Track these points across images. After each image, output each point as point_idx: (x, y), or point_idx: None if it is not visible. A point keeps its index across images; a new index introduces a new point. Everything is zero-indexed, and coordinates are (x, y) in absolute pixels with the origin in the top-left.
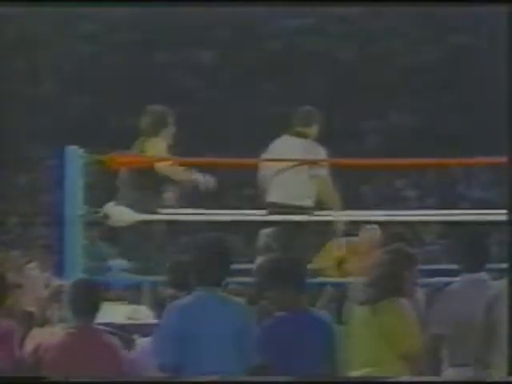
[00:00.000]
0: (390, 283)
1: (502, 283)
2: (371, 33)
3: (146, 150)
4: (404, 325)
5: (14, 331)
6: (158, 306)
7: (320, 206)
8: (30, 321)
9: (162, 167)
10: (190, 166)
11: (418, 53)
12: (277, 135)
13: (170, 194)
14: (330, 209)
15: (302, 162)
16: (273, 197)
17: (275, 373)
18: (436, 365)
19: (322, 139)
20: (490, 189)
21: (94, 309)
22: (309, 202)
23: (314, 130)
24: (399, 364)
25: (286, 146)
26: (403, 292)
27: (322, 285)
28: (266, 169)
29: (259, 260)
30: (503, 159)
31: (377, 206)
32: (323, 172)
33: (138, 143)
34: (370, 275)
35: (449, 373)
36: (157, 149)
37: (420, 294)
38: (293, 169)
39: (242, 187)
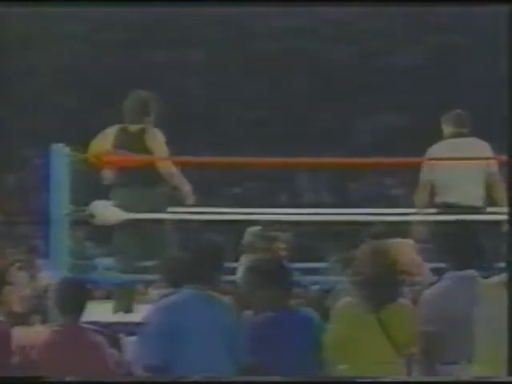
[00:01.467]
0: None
1: (490, 280)
2: (360, 33)
3: (148, 143)
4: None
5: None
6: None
7: (491, 204)
8: (17, 320)
9: (166, 166)
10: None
11: (405, 52)
12: (264, 135)
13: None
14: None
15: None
16: (445, 197)
17: (263, 371)
18: (427, 363)
19: (311, 139)
20: None
21: (79, 307)
22: (480, 203)
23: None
24: (398, 363)
25: (467, 147)
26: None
27: (311, 284)
28: (429, 170)
29: (244, 258)
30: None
31: (365, 204)
32: (496, 170)
33: (120, 131)
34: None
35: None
36: (158, 141)
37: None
38: (469, 168)
39: (231, 186)
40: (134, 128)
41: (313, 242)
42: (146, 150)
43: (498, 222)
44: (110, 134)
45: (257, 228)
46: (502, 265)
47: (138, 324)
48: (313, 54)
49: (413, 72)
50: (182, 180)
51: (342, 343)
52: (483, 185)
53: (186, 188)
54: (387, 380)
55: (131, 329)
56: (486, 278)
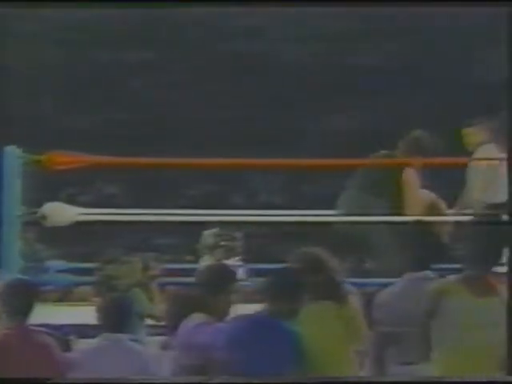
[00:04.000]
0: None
1: (447, 280)
2: (317, 34)
3: None
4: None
5: None
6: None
7: None
8: None
9: None
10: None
11: (363, 54)
12: (226, 136)
13: None
14: None
15: None
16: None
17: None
18: (382, 363)
19: (270, 140)
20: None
21: (28, 309)
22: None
23: None
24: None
25: None
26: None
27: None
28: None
29: (203, 260)
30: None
31: (318, 206)
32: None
33: None
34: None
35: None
36: None
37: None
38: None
39: (189, 187)
40: None
41: (267, 243)
42: None
43: (458, 223)
44: None
45: (214, 230)
46: (460, 265)
47: (90, 326)
48: (262, 55)
49: (367, 73)
50: None
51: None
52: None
53: None
54: (447, 380)
55: (82, 331)
56: (443, 278)
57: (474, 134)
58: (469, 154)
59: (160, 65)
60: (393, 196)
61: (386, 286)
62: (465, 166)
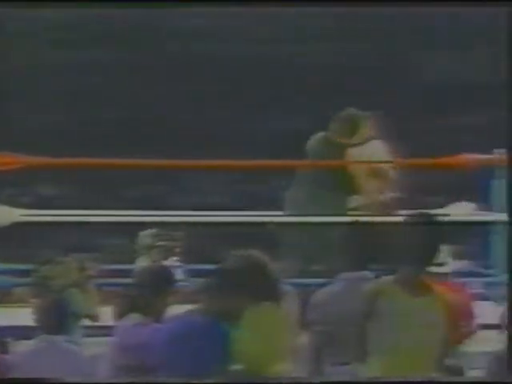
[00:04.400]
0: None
1: (381, 281)
2: (268, 34)
3: None
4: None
5: None
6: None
7: None
8: None
9: None
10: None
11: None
12: (161, 135)
13: None
14: None
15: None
16: None
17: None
18: (318, 363)
19: (217, 141)
20: None
21: None
22: None
23: None
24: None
25: None
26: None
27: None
28: None
29: (140, 261)
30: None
31: (261, 207)
32: None
33: None
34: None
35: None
36: None
37: (292, 295)
38: None
39: (129, 188)
40: None
41: (206, 243)
42: None
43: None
44: None
45: (151, 230)
46: (397, 265)
47: (29, 328)
48: (211, 54)
49: (317, 73)
50: None
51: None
52: None
53: None
54: (384, 380)
55: (20, 332)
56: (379, 278)
57: (360, 127)
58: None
59: (109, 64)
60: (346, 189)
61: (324, 286)
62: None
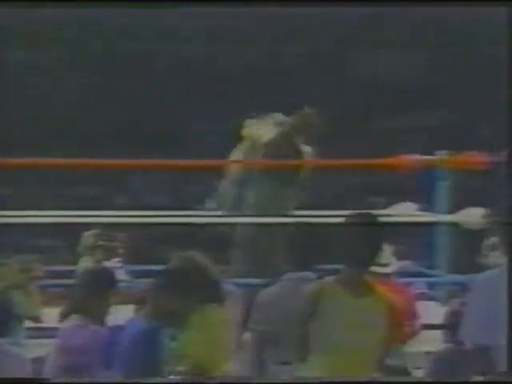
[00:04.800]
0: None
1: (323, 282)
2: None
3: None
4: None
5: None
6: None
7: None
8: None
9: None
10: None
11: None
12: (111, 135)
13: None
14: None
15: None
16: None
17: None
18: (261, 363)
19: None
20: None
21: None
22: None
23: None
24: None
25: None
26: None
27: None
28: None
29: (82, 261)
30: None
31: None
32: None
33: None
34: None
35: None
36: None
37: (236, 296)
38: None
39: (73, 188)
40: None
41: (151, 244)
42: None
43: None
44: None
45: (94, 230)
46: (340, 266)
47: None
48: (170, 54)
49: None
50: None
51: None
52: None
53: None
54: (326, 380)
55: None
56: (321, 279)
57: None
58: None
59: (68, 65)
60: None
61: (267, 286)
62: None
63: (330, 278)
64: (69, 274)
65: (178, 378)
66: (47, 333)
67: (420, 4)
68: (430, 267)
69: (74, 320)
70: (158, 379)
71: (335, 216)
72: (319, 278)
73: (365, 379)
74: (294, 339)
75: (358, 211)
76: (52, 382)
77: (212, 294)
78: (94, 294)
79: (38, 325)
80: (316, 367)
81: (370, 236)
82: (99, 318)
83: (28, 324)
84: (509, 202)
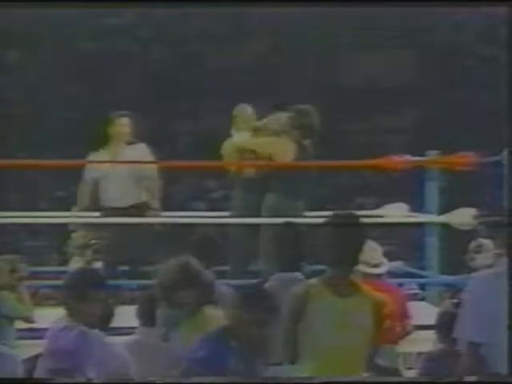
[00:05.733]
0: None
1: (309, 283)
2: (182, 35)
3: None
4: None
5: None
6: None
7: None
8: None
9: None
10: None
11: (228, 55)
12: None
13: None
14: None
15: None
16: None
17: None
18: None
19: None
20: None
21: None
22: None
23: None
24: None
25: None
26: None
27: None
28: None
29: (71, 262)
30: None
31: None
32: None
33: None
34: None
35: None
36: None
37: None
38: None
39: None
40: None
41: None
42: None
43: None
44: None
45: (82, 231)
46: (325, 267)
47: None
48: (133, 55)
49: (235, 75)
50: None
51: None
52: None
53: None
54: (316, 381)
55: None
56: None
57: (122, 125)
58: None
59: (23, 64)
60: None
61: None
62: None
63: (316, 279)
64: (59, 275)
65: (176, 377)
66: (38, 334)
67: (422, 4)
68: (422, 268)
69: (62, 322)
70: (158, 379)
71: (320, 217)
72: (307, 278)
73: (356, 379)
74: (283, 340)
75: (339, 212)
76: (45, 382)
77: (205, 296)
78: (80, 295)
79: (29, 326)
80: (305, 368)
81: (350, 236)
82: (85, 319)
83: (18, 325)
84: (505, 203)
